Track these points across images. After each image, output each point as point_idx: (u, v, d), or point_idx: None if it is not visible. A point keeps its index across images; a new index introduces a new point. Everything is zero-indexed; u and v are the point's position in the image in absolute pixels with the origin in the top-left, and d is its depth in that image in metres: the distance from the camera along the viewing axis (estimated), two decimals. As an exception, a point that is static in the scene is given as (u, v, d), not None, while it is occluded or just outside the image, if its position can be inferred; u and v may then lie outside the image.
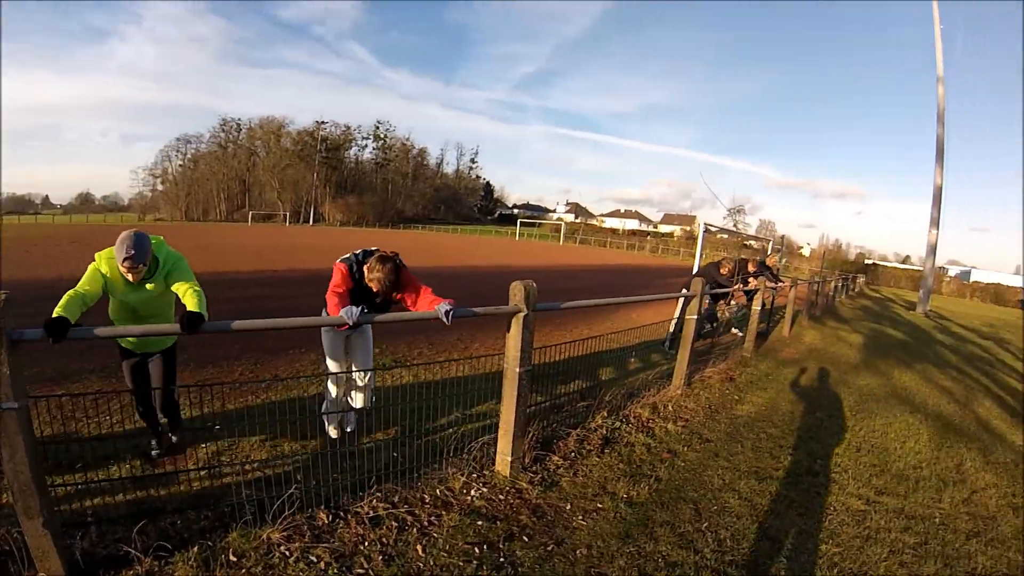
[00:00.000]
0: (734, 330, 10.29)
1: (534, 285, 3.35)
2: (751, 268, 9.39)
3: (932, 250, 22.89)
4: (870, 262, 67.17)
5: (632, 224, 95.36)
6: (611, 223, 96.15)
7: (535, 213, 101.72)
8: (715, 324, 8.99)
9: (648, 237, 78.37)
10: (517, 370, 3.41)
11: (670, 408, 5.47)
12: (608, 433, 4.64)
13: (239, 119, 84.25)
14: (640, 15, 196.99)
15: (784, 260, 65.39)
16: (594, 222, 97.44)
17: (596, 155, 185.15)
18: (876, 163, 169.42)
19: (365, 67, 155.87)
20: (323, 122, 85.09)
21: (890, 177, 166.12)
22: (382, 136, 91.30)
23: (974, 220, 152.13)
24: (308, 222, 74.76)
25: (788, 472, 4.23)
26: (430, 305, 3.25)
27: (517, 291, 3.31)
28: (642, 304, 11.56)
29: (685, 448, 4.58)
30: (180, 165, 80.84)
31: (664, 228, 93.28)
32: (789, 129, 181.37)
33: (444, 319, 3.03)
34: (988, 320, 24.17)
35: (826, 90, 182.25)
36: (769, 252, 12.41)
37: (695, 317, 5.81)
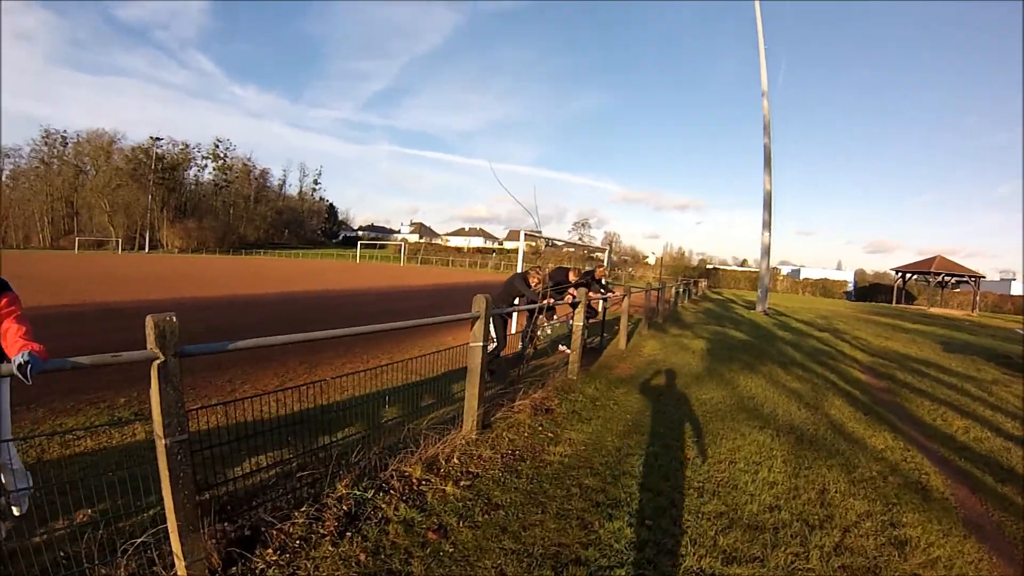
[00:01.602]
0: (562, 347, 9.40)
1: (173, 320, 2.40)
2: (572, 278, 8.55)
3: (766, 251, 24.42)
4: (711, 267, 72.51)
5: (477, 242, 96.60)
6: (456, 242, 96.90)
7: (380, 235, 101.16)
8: (525, 345, 8.06)
9: (493, 254, 78.98)
10: (164, 441, 2.46)
11: (455, 461, 4.18)
12: (353, 508, 3.35)
13: (64, 132, 74.02)
14: (488, 33, 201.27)
15: (630, 269, 69.24)
16: (438, 241, 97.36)
17: (443, 174, 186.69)
18: (712, 175, 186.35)
19: (210, 80, 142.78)
20: (158, 138, 77.04)
21: (726, 187, 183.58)
22: (222, 156, 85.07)
23: (800, 224, 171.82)
24: (144, 249, 66.98)
25: (603, 549, 3.05)
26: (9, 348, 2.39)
27: (151, 329, 2.36)
28: (454, 326, 10.30)
29: (461, 523, 3.31)
30: None
31: (509, 244, 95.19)
32: (630, 145, 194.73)
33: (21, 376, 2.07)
34: (821, 312, 26.21)
35: (662, 107, 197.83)
36: (603, 262, 11.75)
37: (479, 344, 4.59)
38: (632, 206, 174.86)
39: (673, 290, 20.85)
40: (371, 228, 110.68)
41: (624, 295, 10.50)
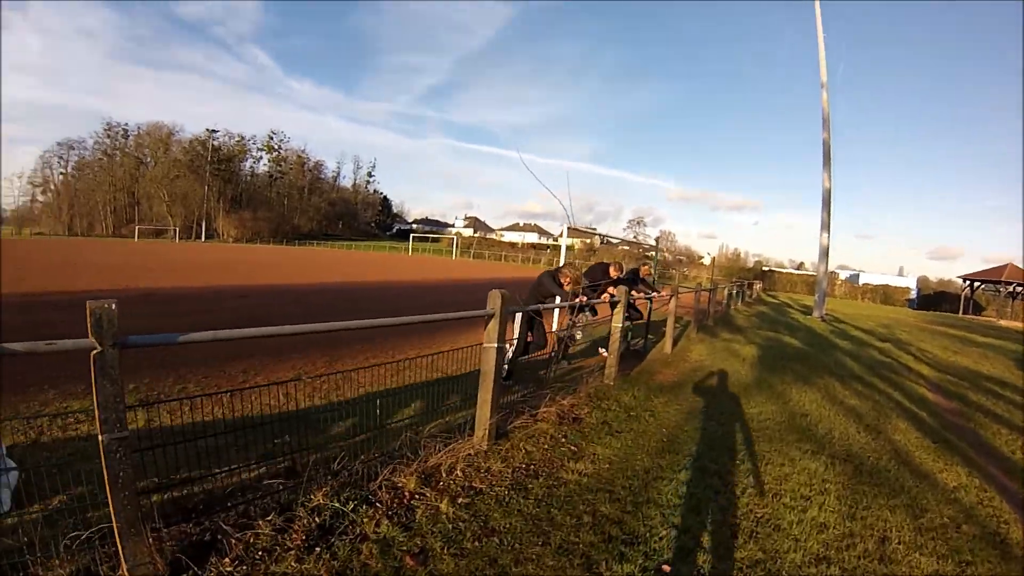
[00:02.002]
0: (602, 350, 8.84)
1: (112, 308, 2.15)
2: (613, 274, 7.97)
3: (824, 253, 23.08)
4: (767, 269, 70.11)
5: (532, 238, 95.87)
6: (510, 237, 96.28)
7: (434, 228, 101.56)
8: (561, 348, 7.58)
9: (547, 250, 78.34)
10: (102, 438, 2.23)
11: (458, 473, 3.73)
12: (328, 520, 2.96)
13: (125, 124, 77.87)
14: (541, 27, 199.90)
15: (684, 269, 67.48)
16: (493, 236, 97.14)
17: (498, 169, 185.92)
18: (770, 174, 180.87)
19: (266, 74, 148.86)
20: (215, 130, 79.87)
21: (784, 187, 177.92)
22: (276, 147, 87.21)
23: (860, 228, 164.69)
24: (200, 238, 69.49)
25: (609, 604, 2.54)
26: None
27: (88, 317, 2.14)
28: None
29: (446, 549, 2.87)
30: (62, 173, 73.25)
31: (566, 241, 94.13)
32: (686, 143, 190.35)
33: None
34: (881, 320, 24.69)
35: (719, 103, 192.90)
36: (648, 260, 11.06)
37: (494, 345, 4.11)
38: (688, 205, 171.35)
39: (726, 292, 19.93)
40: (425, 221, 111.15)
41: (671, 295, 9.86)
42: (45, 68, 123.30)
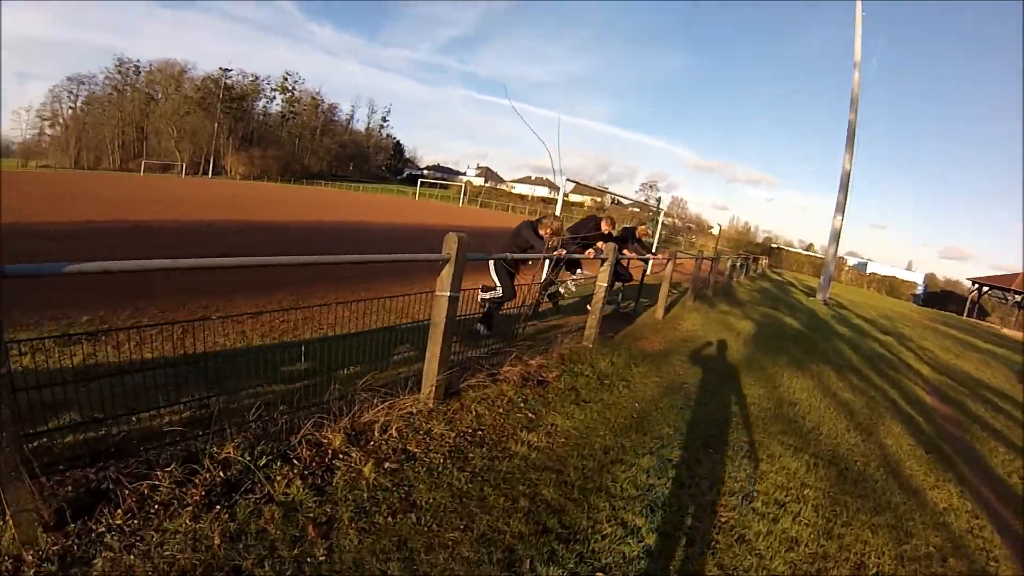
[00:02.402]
0: (608, 309, 8.36)
1: None
2: (605, 228, 7.36)
3: (836, 236, 22.32)
4: (775, 246, 69.03)
5: (542, 191, 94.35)
6: (521, 189, 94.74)
7: (445, 175, 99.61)
8: (536, 303, 7.08)
9: (557, 204, 77.19)
10: None
11: (393, 433, 3.25)
12: (236, 476, 2.55)
13: (137, 61, 74.96)
14: None
15: (693, 237, 66.38)
16: (503, 187, 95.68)
17: (515, 122, 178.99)
18: (789, 153, 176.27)
19: (287, 17, 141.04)
20: (228, 69, 77.69)
21: (802, 168, 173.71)
22: (290, 88, 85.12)
23: (873, 217, 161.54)
24: (207, 174, 68.51)
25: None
26: None
27: None
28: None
29: (356, 521, 2.47)
30: (71, 108, 71.17)
31: (575, 198, 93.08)
32: (707, 112, 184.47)
33: None
34: (885, 312, 24.09)
35: (744, 75, 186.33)
36: (647, 220, 10.31)
37: (446, 294, 3.58)
38: (704, 175, 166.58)
39: (729, 263, 19.29)
40: (437, 168, 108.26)
41: (669, 259, 9.25)
42: (59, 3, 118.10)
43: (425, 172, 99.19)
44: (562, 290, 7.43)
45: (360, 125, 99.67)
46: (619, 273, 8.41)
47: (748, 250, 49.20)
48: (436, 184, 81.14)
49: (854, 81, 21.76)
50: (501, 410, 3.99)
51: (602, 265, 6.20)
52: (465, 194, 70.55)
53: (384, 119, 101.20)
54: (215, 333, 4.69)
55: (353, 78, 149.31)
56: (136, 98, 73.18)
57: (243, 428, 2.89)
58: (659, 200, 9.64)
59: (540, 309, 7.33)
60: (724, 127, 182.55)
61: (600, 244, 6.54)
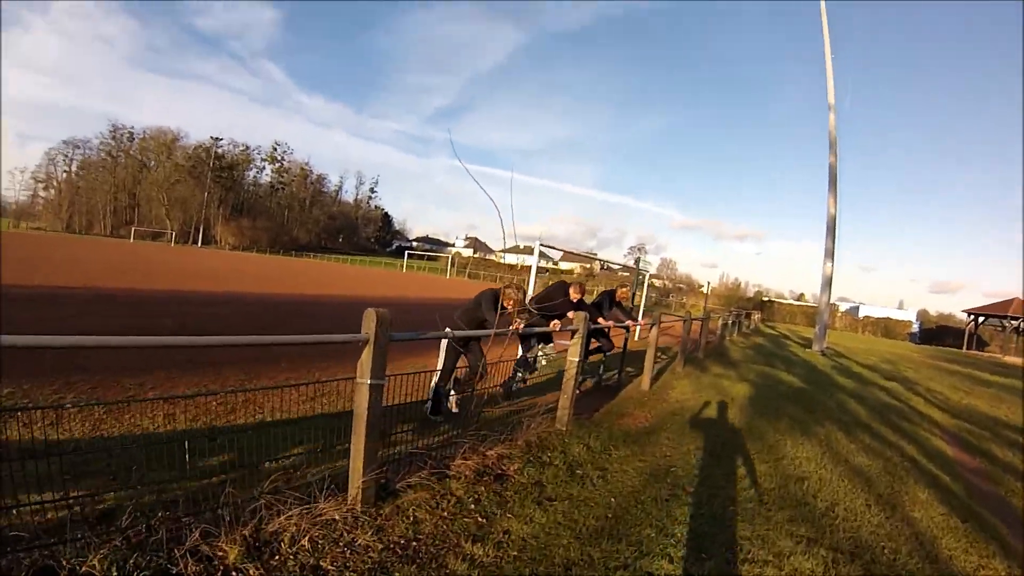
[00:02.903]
0: (589, 382, 7.62)
1: None
2: (574, 296, 6.74)
3: (827, 283, 21.74)
4: (767, 299, 68.74)
5: (531, 260, 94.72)
6: (510, 259, 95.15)
7: (434, 247, 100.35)
8: (509, 383, 6.45)
9: (546, 273, 77.26)
10: None
11: (305, 544, 2.61)
12: None
13: (131, 127, 77.74)
14: (552, 53, 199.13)
15: (684, 298, 65.95)
16: (492, 257, 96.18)
17: (503, 191, 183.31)
18: (773, 205, 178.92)
19: (278, 88, 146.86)
20: (219, 139, 79.73)
21: (786, 218, 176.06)
22: (279, 159, 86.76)
23: (861, 259, 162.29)
24: (197, 243, 68.70)
25: None
26: None
27: None
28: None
29: None
30: (65, 171, 73.24)
31: (564, 265, 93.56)
32: (691, 171, 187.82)
33: None
34: (884, 356, 23.29)
35: (724, 132, 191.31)
36: (625, 283, 9.66)
37: (366, 382, 2.92)
38: (691, 233, 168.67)
39: (720, 321, 18.63)
40: (426, 240, 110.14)
41: (652, 324, 8.58)
42: (62, 70, 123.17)
43: (414, 244, 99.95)
44: (541, 362, 6.73)
45: (349, 196, 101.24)
46: (599, 343, 7.74)
47: (740, 306, 48.76)
48: (424, 256, 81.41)
49: (830, 123, 21.84)
50: (446, 514, 3.25)
51: (572, 337, 5.52)
52: (453, 265, 70.61)
53: (372, 190, 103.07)
54: (140, 415, 4.34)
55: (343, 149, 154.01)
56: (129, 164, 75.26)
57: (113, 535, 2.26)
58: (638, 260, 8.94)
59: (515, 388, 6.61)
60: (707, 185, 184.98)
61: (571, 314, 5.86)
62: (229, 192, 78.54)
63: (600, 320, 7.12)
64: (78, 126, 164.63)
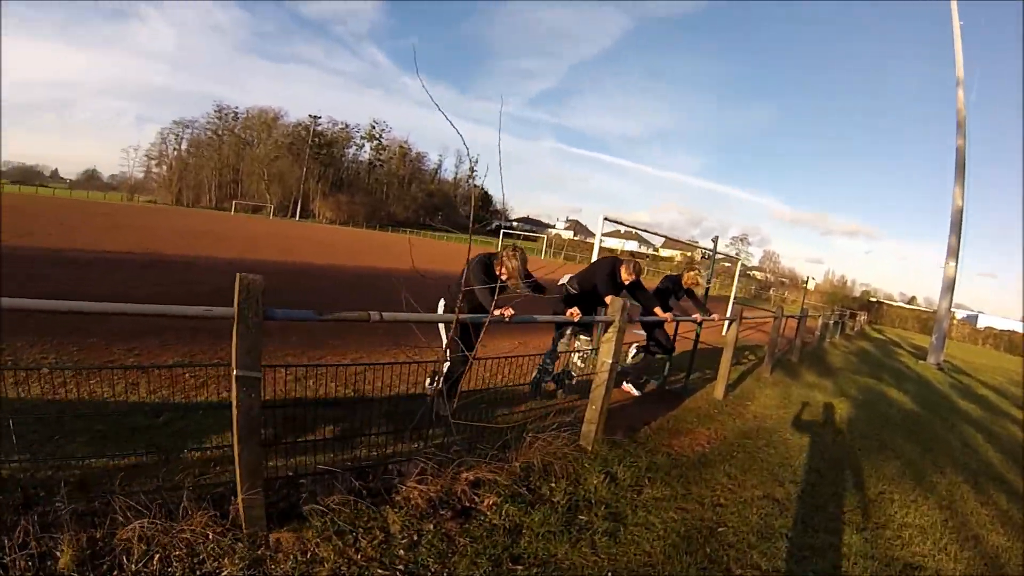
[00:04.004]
0: (627, 386, 6.18)
1: None
2: (625, 277, 5.29)
3: (949, 286, 18.52)
4: (874, 300, 62.62)
5: (632, 246, 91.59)
6: (610, 243, 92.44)
7: (533, 228, 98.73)
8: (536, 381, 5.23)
9: (647, 259, 74.35)
10: None
11: (155, 563, 2.13)
12: None
13: (236, 107, 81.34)
14: (656, 40, 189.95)
15: (784, 292, 61.06)
16: (591, 241, 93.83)
17: (607, 177, 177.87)
18: (888, 200, 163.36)
19: (381, 70, 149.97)
20: (317, 117, 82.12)
21: (901, 217, 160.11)
22: (377, 136, 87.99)
23: (981, 264, 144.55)
24: (295, 217, 71.65)
25: None
26: None
27: None
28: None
29: None
30: (175, 149, 77.87)
31: (665, 252, 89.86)
32: (799, 162, 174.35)
33: None
34: (1012, 375, 19.83)
35: (839, 124, 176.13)
36: (697, 266, 7.67)
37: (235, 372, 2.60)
38: (797, 228, 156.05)
39: (821, 320, 16.27)
40: (527, 220, 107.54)
41: (733, 319, 6.93)
42: (176, 57, 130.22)
43: (515, 224, 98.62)
44: (577, 362, 5.34)
45: (448, 175, 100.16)
46: (657, 340, 6.25)
47: (844, 305, 44.41)
48: (520, 235, 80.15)
49: (959, 101, 18.46)
50: (360, 557, 2.31)
51: (604, 331, 4.14)
52: (550, 247, 69.06)
53: (472, 170, 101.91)
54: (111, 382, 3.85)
55: (447, 131, 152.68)
56: (233, 142, 78.33)
57: None
58: (715, 240, 7.19)
59: (539, 388, 5.31)
60: (816, 176, 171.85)
61: (608, 299, 4.39)
62: (328, 168, 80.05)
63: (657, 311, 5.59)
64: (188, 108, 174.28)
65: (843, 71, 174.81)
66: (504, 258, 3.96)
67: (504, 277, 3.94)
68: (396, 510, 2.72)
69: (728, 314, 6.79)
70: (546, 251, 67.29)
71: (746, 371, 8.77)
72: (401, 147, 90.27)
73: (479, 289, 3.65)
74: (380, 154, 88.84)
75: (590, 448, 3.96)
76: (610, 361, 3.90)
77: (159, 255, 12.11)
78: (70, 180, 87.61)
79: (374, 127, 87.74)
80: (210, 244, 17.04)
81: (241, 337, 2.13)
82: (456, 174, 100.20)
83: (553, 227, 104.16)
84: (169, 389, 4.01)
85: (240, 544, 2.27)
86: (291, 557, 2.26)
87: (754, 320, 12.83)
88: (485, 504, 2.96)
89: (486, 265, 3.92)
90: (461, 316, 3.08)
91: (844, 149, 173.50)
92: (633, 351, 6.64)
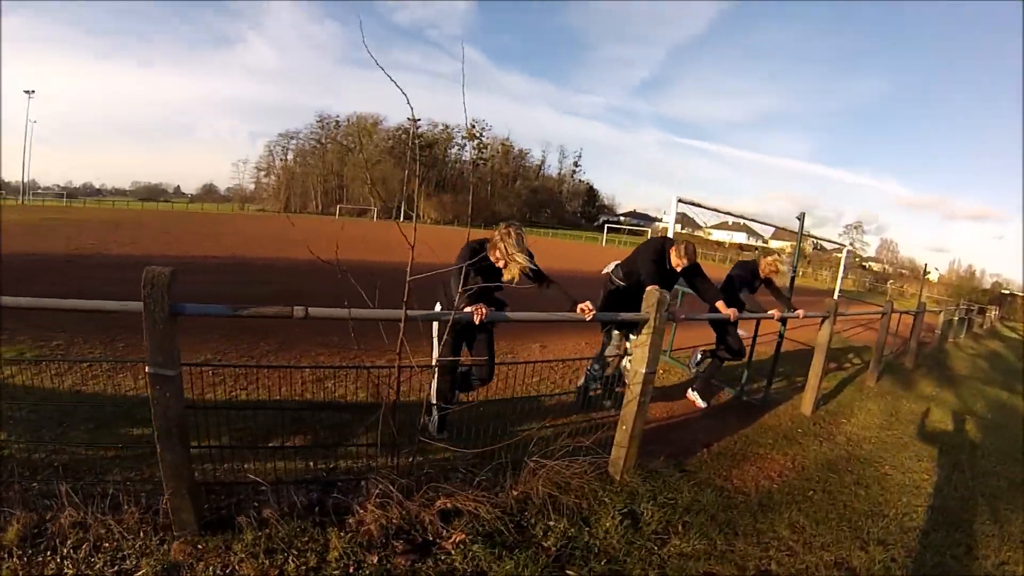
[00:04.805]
0: (691, 394, 5.19)
1: None
2: (676, 261, 4.25)
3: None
4: (1007, 292, 55.16)
5: (740, 237, 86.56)
6: (718, 235, 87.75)
7: (640, 222, 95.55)
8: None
9: (756, 251, 69.92)
10: None
11: (83, 550, 2.13)
12: None
13: (337, 116, 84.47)
14: (754, 14, 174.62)
15: (902, 284, 54.96)
16: (700, 234, 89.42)
17: (710, 165, 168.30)
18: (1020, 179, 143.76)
19: (478, 69, 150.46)
20: (417, 120, 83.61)
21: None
22: (477, 135, 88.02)
23: None
24: (399, 218, 74.06)
25: None
26: None
27: None
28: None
29: None
30: (282, 159, 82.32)
31: (775, 244, 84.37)
32: (918, 141, 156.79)
33: None
34: None
35: (959, 92, 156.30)
36: (778, 253, 6.08)
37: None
38: (917, 213, 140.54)
39: (942, 317, 14.03)
40: (634, 215, 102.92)
41: (826, 316, 5.48)
42: (278, 74, 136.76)
43: (621, 219, 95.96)
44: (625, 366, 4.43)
45: (552, 171, 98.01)
46: (727, 344, 5.11)
47: (972, 299, 39.29)
48: (621, 229, 77.72)
49: None
50: None
51: (636, 333, 3.26)
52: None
53: (576, 164, 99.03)
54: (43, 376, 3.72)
55: (547, 125, 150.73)
56: (335, 149, 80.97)
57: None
58: (802, 218, 5.92)
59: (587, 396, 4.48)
60: (937, 156, 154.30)
61: (650, 288, 3.36)
62: (430, 169, 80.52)
63: (719, 307, 4.38)
64: (293, 120, 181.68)
65: (965, 26, 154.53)
66: (497, 239, 3.15)
67: (499, 263, 3.15)
68: (343, 534, 2.28)
69: (822, 312, 5.44)
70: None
71: (847, 378, 7.38)
72: (503, 144, 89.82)
73: (454, 278, 2.89)
74: (482, 152, 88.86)
75: (618, 477, 3.12)
76: (643, 371, 3.01)
77: (242, 258, 12.49)
78: (191, 195, 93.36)
79: (474, 126, 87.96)
80: (298, 247, 17.37)
81: (149, 333, 2.03)
82: (560, 169, 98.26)
83: (660, 220, 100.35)
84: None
85: (165, 547, 2.17)
86: (209, 568, 2.09)
87: (861, 317, 11.12)
88: (450, 542, 2.30)
89: (474, 250, 3.09)
90: (411, 313, 2.35)
91: (969, 122, 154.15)
92: (697, 356, 5.62)
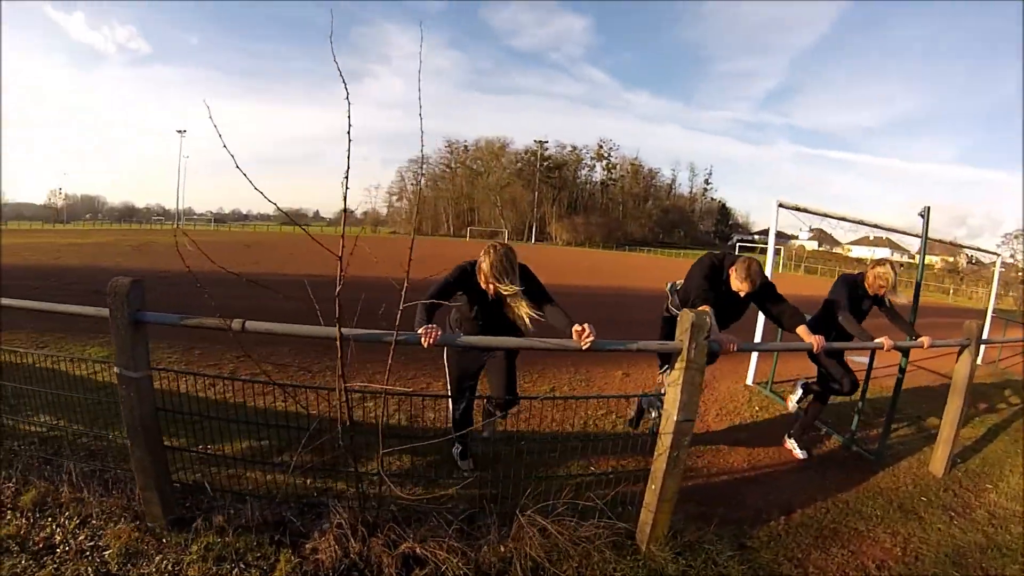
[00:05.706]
0: (789, 442, 4.27)
1: None
2: (738, 286, 3.37)
3: None
4: None
5: (883, 252, 77.41)
6: (858, 252, 79.39)
7: (777, 240, 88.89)
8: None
9: (901, 267, 61.59)
10: None
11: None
12: None
13: (465, 141, 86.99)
14: (883, 8, 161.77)
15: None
16: (839, 251, 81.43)
17: (847, 176, 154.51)
18: None
19: (603, 89, 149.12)
20: (543, 141, 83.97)
21: None
22: (605, 155, 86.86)
23: None
24: (530, 240, 74.21)
25: None
26: None
27: None
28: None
29: None
30: (413, 184, 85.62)
31: (928, 258, 74.37)
32: None
33: None
34: None
35: None
36: (887, 265, 4.51)
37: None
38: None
39: None
40: (767, 233, 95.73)
41: (965, 344, 4.00)
42: (406, 103, 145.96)
43: (755, 237, 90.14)
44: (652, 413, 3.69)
45: (683, 189, 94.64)
46: (829, 375, 4.12)
47: None
48: (755, 248, 72.30)
49: None
50: None
51: (668, 367, 2.57)
52: (788, 259, 60.88)
53: (707, 182, 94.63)
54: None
55: (675, 141, 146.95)
56: (464, 173, 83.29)
57: None
58: (925, 214, 4.55)
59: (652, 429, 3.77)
60: None
61: (685, 310, 2.44)
62: (561, 191, 79.95)
63: (801, 333, 3.37)
64: (430, 147, 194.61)
65: None
66: (491, 249, 2.69)
67: (483, 281, 2.68)
68: (294, 557, 2.18)
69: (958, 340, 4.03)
70: (782, 264, 59.27)
71: (999, 426, 5.74)
72: (632, 164, 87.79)
73: (423, 301, 2.47)
74: (611, 173, 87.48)
75: (644, 548, 2.45)
76: (676, 418, 2.33)
77: (303, 276, 13.20)
78: (328, 219, 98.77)
79: (602, 146, 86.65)
80: (413, 268, 17.92)
81: (114, 337, 2.19)
82: (691, 188, 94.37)
83: (796, 237, 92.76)
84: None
85: (136, 533, 2.31)
86: (164, 563, 2.19)
87: (1018, 344, 8.98)
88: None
89: (464, 271, 2.74)
90: (347, 331, 1.97)
91: None
92: (799, 392, 4.65)
